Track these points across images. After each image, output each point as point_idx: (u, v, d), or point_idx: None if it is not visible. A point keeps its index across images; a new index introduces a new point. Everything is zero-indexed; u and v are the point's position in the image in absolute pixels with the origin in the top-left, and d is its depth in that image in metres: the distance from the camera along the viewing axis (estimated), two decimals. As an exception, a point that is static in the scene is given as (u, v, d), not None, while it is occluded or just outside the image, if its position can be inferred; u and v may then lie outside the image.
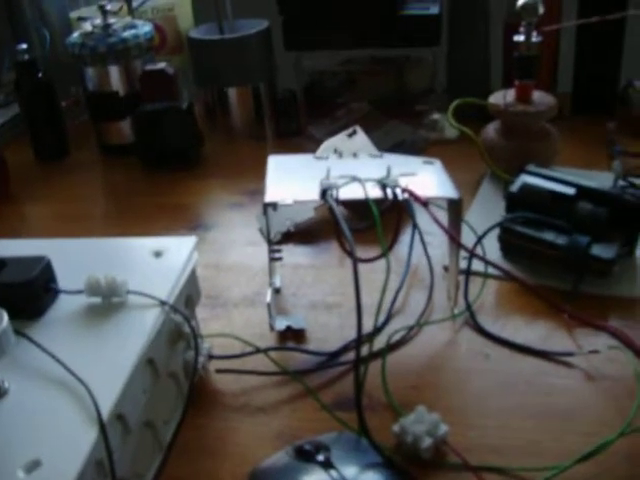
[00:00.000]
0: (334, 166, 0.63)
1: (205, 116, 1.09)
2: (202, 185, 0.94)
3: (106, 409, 0.44)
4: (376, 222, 0.55)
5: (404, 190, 0.58)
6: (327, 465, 0.45)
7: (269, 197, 0.61)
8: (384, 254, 0.55)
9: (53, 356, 0.49)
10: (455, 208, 0.60)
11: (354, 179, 0.59)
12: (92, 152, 1.08)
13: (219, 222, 0.85)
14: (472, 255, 0.64)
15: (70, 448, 0.42)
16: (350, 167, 0.62)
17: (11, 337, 0.46)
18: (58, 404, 0.46)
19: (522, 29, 0.80)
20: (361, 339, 0.50)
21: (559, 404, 0.55)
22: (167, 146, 0.97)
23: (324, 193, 0.59)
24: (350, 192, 0.59)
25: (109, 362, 0.48)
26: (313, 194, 0.60)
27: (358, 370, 0.49)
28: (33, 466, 0.41)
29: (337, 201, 0.58)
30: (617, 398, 0.55)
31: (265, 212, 0.61)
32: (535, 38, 0.80)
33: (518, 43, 0.81)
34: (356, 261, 0.52)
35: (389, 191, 0.58)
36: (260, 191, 0.89)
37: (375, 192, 0.59)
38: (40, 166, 1.06)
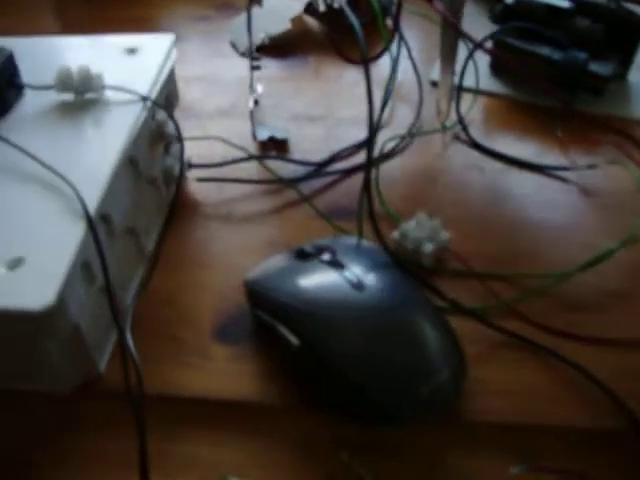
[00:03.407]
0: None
1: None
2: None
3: (92, 206, 0.40)
4: (376, 12, 0.50)
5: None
6: (335, 264, 0.42)
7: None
8: (387, 47, 0.50)
9: (27, 152, 0.44)
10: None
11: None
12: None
13: (185, 35, 0.77)
14: (477, 45, 0.56)
15: (56, 245, 0.38)
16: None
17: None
18: (37, 203, 0.41)
19: None
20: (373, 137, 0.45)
21: (559, 217, 0.53)
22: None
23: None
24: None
25: (89, 160, 0.44)
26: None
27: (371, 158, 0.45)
28: (16, 263, 0.37)
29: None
30: (619, 212, 0.53)
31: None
32: None
33: None
34: (365, 56, 0.46)
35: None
36: (229, 4, 0.82)
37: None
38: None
